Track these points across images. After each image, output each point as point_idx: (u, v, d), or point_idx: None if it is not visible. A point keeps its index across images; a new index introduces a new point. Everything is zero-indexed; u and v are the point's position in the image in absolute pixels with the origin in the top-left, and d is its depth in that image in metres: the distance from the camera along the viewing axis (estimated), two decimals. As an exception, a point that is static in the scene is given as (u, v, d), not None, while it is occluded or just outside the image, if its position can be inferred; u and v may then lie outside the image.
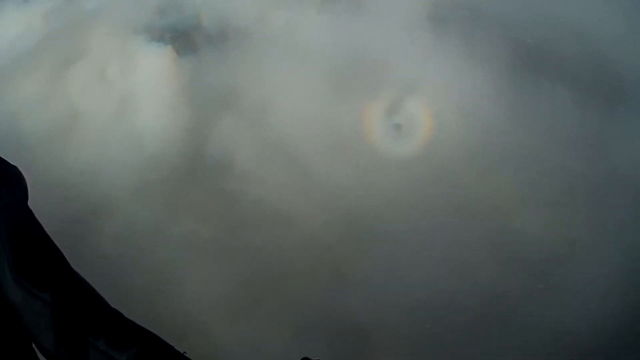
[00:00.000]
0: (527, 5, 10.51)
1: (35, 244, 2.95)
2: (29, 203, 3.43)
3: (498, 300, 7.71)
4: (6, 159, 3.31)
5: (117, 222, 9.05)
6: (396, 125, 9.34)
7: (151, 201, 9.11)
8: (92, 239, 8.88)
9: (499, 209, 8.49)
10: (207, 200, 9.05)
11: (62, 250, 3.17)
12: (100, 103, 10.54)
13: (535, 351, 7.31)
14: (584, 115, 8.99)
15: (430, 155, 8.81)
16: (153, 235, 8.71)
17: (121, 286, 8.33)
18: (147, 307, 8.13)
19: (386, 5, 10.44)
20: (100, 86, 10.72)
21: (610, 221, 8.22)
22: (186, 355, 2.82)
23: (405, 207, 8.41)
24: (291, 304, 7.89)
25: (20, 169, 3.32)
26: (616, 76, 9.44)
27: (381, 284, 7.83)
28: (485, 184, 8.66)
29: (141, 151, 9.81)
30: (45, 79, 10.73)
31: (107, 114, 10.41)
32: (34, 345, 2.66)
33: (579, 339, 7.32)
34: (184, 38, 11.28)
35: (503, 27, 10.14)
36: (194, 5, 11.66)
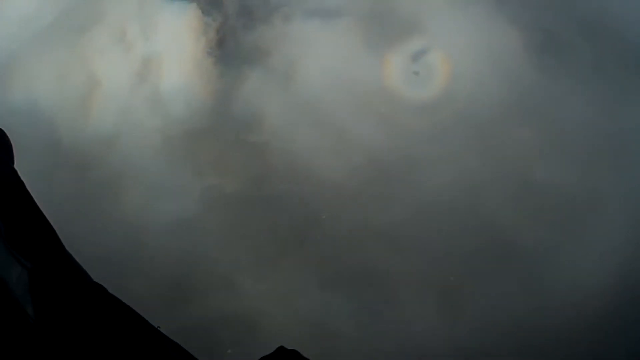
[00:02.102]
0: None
1: (24, 212, 3.03)
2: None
3: (519, 250, 7.99)
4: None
5: (141, 183, 9.47)
6: (415, 73, 9.59)
7: (174, 159, 9.50)
8: (118, 202, 9.32)
9: (521, 159, 8.74)
10: (231, 153, 9.38)
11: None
12: (120, 68, 10.82)
13: (556, 298, 7.58)
14: (607, 73, 9.23)
15: (453, 103, 9.09)
16: (177, 192, 9.09)
17: (147, 247, 8.80)
18: (172, 266, 8.58)
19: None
20: (119, 50, 11.00)
21: (633, 173, 8.45)
22: (160, 329, 3.06)
23: (427, 155, 8.67)
24: (317, 254, 8.19)
25: (5, 131, 3.32)
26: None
27: (406, 232, 8.09)
28: (507, 134, 8.91)
29: (164, 113, 10.19)
30: (63, 49, 11.03)
31: (128, 78, 10.72)
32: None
33: (599, 290, 7.58)
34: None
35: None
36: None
